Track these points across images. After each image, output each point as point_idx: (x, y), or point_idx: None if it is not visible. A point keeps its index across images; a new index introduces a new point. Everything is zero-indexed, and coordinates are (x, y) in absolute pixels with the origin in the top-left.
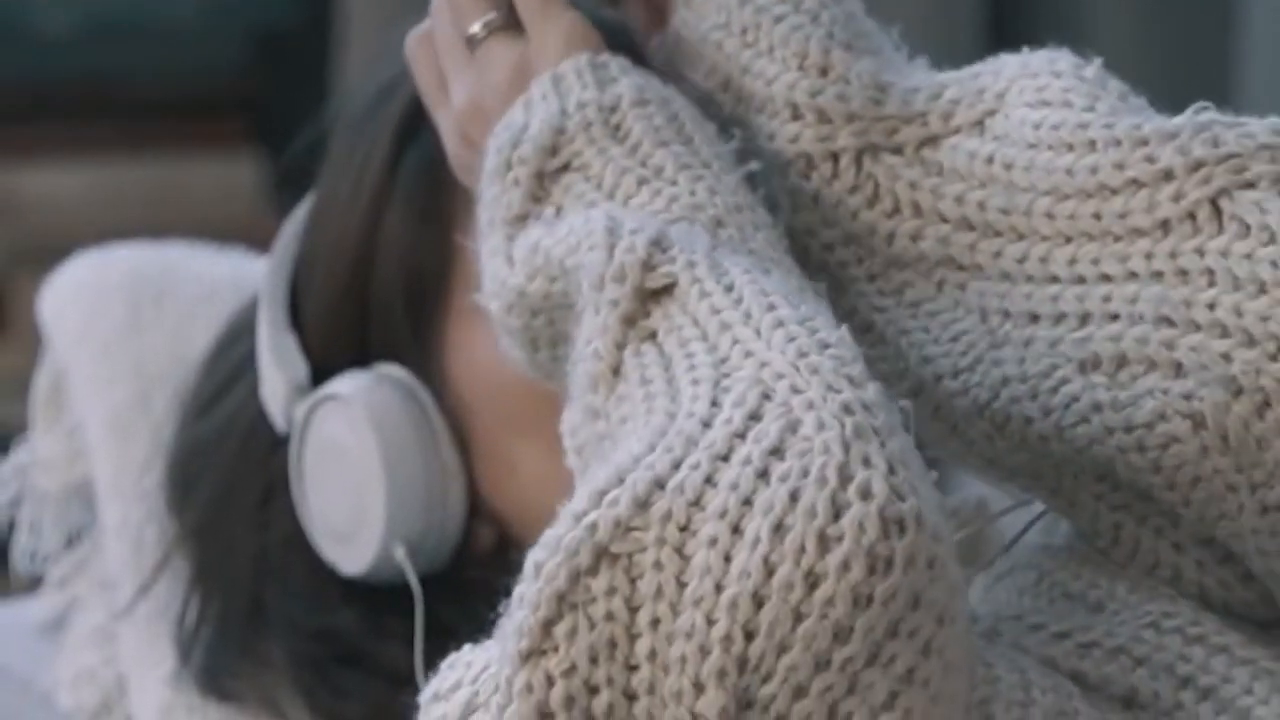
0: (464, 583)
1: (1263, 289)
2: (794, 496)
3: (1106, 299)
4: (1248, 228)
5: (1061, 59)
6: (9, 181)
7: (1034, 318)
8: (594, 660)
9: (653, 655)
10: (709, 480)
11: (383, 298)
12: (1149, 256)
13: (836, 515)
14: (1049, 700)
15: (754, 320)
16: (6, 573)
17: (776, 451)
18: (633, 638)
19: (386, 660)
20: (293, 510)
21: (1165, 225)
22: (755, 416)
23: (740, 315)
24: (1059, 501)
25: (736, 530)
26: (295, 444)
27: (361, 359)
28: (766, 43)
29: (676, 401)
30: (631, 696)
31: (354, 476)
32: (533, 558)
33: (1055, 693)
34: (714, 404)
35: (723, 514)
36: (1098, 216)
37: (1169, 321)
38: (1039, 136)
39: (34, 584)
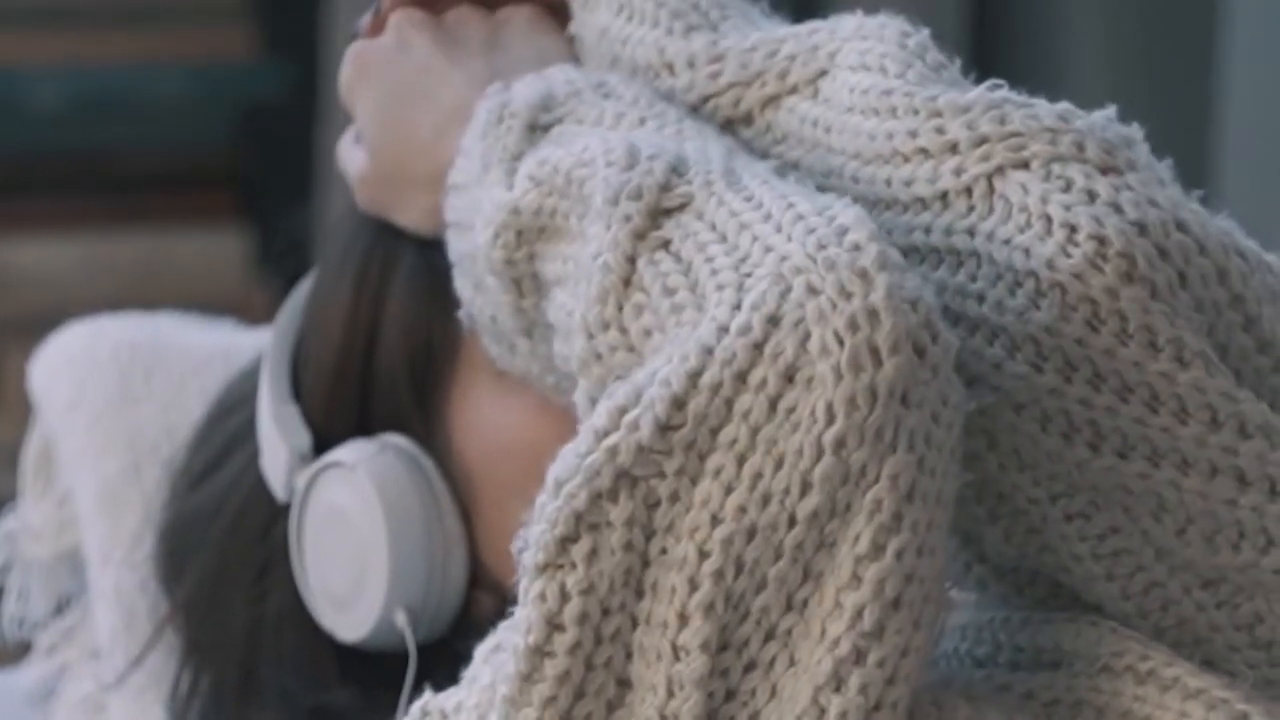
0: (461, 651)
1: (1018, 281)
2: (795, 428)
3: None
4: (1010, 209)
5: (891, 25)
6: None
7: None
8: (612, 586)
9: (655, 585)
10: (729, 405)
11: (386, 370)
12: (928, 231)
13: (817, 459)
14: None
15: (774, 219)
16: None
17: (788, 373)
18: (645, 564)
19: None
20: (289, 583)
21: (944, 198)
22: (774, 320)
23: (760, 215)
24: None
25: (741, 461)
26: (296, 512)
27: (364, 429)
28: (629, 64)
29: (703, 310)
30: (635, 622)
31: (356, 542)
32: (554, 474)
33: None
34: (736, 307)
35: (732, 444)
36: (888, 183)
37: (953, 316)
38: (854, 101)
39: (22, 652)
